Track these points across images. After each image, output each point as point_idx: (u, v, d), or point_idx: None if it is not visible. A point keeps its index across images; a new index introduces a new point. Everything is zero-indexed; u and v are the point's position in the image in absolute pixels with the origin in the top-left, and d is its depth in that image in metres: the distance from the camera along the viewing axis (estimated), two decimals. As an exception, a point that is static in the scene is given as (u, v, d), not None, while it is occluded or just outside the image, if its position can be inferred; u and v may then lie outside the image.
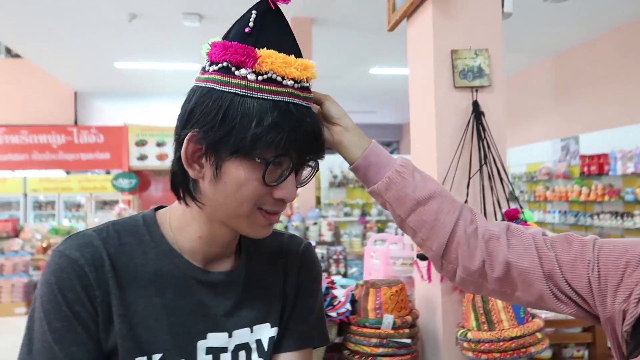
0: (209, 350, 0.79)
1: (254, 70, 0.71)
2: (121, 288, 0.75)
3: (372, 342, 1.71)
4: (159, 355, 0.75)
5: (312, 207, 6.06)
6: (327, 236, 5.51)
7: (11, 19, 5.85)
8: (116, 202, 8.72)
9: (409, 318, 1.76)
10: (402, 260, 2.23)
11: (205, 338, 0.79)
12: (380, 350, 1.71)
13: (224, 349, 0.80)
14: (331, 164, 8.57)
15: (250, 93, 0.71)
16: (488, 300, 1.59)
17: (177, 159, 0.76)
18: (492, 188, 1.78)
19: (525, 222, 1.64)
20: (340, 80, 8.80)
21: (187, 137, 0.72)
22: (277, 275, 0.89)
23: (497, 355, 1.54)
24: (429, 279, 1.79)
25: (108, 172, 9.85)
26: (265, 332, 0.85)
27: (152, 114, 11.52)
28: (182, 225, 0.80)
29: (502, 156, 1.81)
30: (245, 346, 0.82)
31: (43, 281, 0.73)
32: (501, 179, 1.80)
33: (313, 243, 5.42)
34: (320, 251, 5.29)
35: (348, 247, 6.45)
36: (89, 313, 0.72)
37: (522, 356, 1.55)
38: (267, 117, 0.70)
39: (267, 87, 0.71)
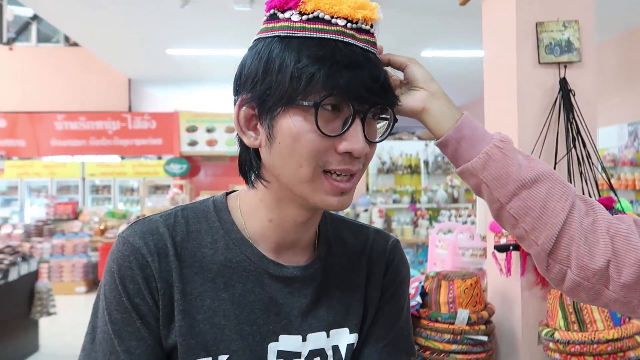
0: (280, 354, 0.70)
1: (298, 10, 0.63)
2: (186, 280, 0.68)
3: (445, 337, 1.60)
4: (225, 357, 0.67)
5: (363, 193, 5.95)
6: (378, 223, 5.42)
7: (69, 8, 6.00)
8: (168, 186, 8.92)
9: (484, 313, 1.64)
10: (472, 250, 2.10)
11: (277, 340, 0.70)
12: (454, 347, 1.60)
13: (297, 354, 0.71)
14: (379, 150, 8.40)
15: (292, 33, 0.63)
16: (578, 298, 1.45)
17: (239, 137, 0.70)
18: (581, 173, 1.62)
19: (622, 212, 1.48)
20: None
21: (237, 103, 0.67)
22: (359, 274, 0.78)
23: (589, 358, 1.40)
24: (508, 272, 1.65)
25: (160, 158, 10.09)
26: (344, 338, 0.74)
27: (203, 100, 11.67)
28: (251, 209, 0.72)
29: (593, 139, 1.65)
30: (321, 352, 0.72)
31: (107, 268, 0.69)
32: (592, 164, 1.63)
33: (363, 230, 5.36)
34: (370, 238, 5.23)
35: (399, 235, 6.33)
36: (148, 307, 0.66)
37: (618, 360, 1.40)
38: (308, 51, 0.61)
39: (312, 25, 0.63)
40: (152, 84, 10.23)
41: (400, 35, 7.19)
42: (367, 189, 8.23)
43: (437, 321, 1.62)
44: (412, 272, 2.15)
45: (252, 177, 0.71)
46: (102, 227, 7.71)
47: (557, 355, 1.46)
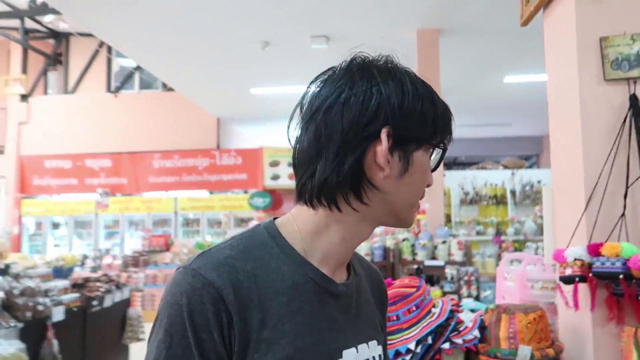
0: None
1: None
2: (265, 308, 0.69)
3: (507, 376, 1.49)
4: None
5: (441, 224, 5.76)
6: (457, 256, 5.19)
7: (166, 59, 6.62)
8: (251, 219, 9.25)
9: (550, 351, 1.50)
10: (542, 283, 1.94)
11: (341, 357, 0.73)
12: (517, 386, 1.48)
13: None
14: (462, 180, 8.13)
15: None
16: (657, 337, 1.28)
17: (353, 162, 0.70)
18: (658, 198, 1.46)
19: None
20: (472, 91, 8.37)
21: (384, 133, 0.70)
22: (369, 293, 0.86)
23: (672, 406, 1.23)
24: (576, 306, 1.51)
25: (245, 192, 10.54)
26: (377, 349, 0.81)
27: (285, 136, 12.10)
28: (319, 229, 0.74)
29: (670, 159, 1.49)
30: None
31: (171, 301, 0.68)
32: (670, 187, 1.47)
33: (442, 263, 5.14)
34: (450, 271, 4.99)
35: (481, 268, 5.99)
36: (214, 343, 0.66)
37: None
38: (437, 100, 0.74)
39: None
40: (238, 122, 10.84)
41: (482, 62, 7.03)
42: (450, 220, 7.96)
43: (496, 357, 1.52)
44: (477, 305, 2.04)
45: (341, 200, 0.72)
46: (190, 258, 8.12)
47: (634, 402, 1.30)
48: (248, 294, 0.68)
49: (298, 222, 0.76)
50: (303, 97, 0.78)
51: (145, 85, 11.13)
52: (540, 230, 7.22)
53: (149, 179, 10.07)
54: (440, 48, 5.84)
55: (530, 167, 11.95)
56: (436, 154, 0.77)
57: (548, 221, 1.82)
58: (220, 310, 0.66)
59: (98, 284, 4.62)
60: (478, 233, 7.48)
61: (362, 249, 5.08)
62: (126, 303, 5.00)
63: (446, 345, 1.53)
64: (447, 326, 1.56)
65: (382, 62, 0.75)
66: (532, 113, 10.17)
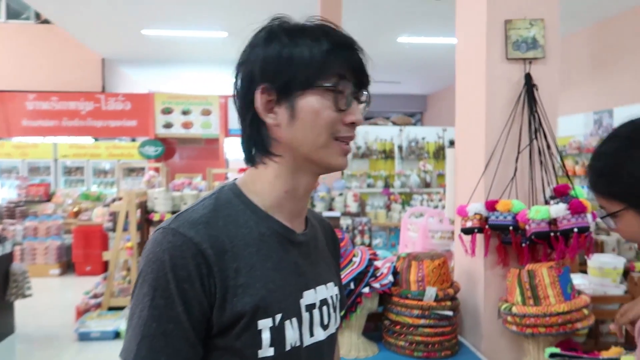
0: (307, 308, 0.83)
1: None
2: (239, 257, 0.77)
3: (414, 313, 1.73)
4: (279, 316, 0.78)
5: (338, 178, 6.05)
6: (353, 207, 5.52)
7: (41, -16, 5.85)
8: (142, 169, 8.85)
9: (450, 291, 1.77)
10: (441, 233, 2.23)
11: (302, 297, 0.83)
12: (422, 321, 1.73)
13: (314, 305, 0.85)
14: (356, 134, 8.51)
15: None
16: (535, 276, 1.59)
17: (250, 121, 0.81)
18: (542, 163, 1.75)
19: (576, 198, 1.62)
20: (367, 48, 8.52)
21: (258, 92, 0.79)
22: (324, 242, 0.97)
23: (542, 330, 1.55)
24: (473, 253, 1.78)
25: (134, 140, 9.98)
26: (333, 290, 0.92)
27: (178, 82, 11.54)
28: (266, 185, 0.83)
29: (553, 131, 1.78)
30: (325, 302, 0.88)
31: (154, 258, 0.74)
32: (551, 154, 1.77)
33: (338, 214, 5.45)
34: (345, 222, 5.32)
35: (372, 218, 6.47)
36: (196, 293, 0.73)
37: (567, 332, 1.55)
38: (318, 43, 0.78)
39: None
40: (127, 64, 10.07)
41: (378, 21, 7.26)
42: (342, 173, 8.36)
43: (407, 298, 1.75)
44: (385, 253, 2.27)
45: (260, 155, 0.83)
46: (75, 209, 7.63)
47: (514, 328, 1.60)
48: (223, 246, 0.76)
49: (250, 181, 0.85)
50: None
51: (14, 14, 9.79)
52: (423, 183, 7.91)
53: (22, 122, 9.08)
54: (343, 2, 5.93)
55: (415, 124, 12.81)
56: (348, 90, 0.80)
57: (450, 180, 2.07)
58: (200, 263, 0.74)
59: (-25, 238, 4.20)
60: (369, 185, 7.97)
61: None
62: (8, 258, 4.63)
63: (366, 290, 1.73)
64: (367, 273, 1.75)
65: (278, 23, 0.82)
66: (420, 73, 10.83)
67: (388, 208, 6.95)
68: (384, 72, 10.83)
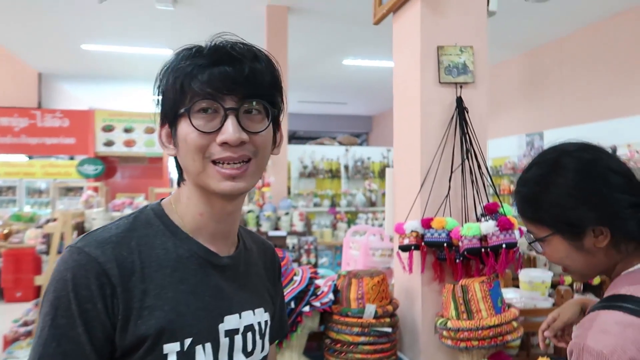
0: (227, 333, 0.82)
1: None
2: (148, 279, 0.76)
3: (354, 331, 1.75)
4: (189, 340, 0.76)
5: (284, 197, 6.05)
6: (299, 226, 5.53)
7: (-28, -6, 5.57)
8: (81, 188, 8.47)
9: (389, 307, 1.80)
10: (382, 251, 2.27)
11: (223, 321, 0.82)
12: (362, 339, 1.75)
13: (237, 331, 0.84)
14: (301, 154, 8.57)
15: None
16: (468, 290, 1.65)
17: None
18: (473, 182, 1.84)
19: (504, 216, 1.70)
20: (315, 70, 8.78)
21: (160, 126, 0.83)
22: (261, 266, 0.96)
23: (475, 343, 1.60)
24: (410, 270, 1.83)
25: (72, 158, 9.55)
26: (263, 316, 0.90)
27: (120, 99, 11.21)
28: (183, 207, 0.84)
29: (483, 151, 1.87)
30: (251, 328, 0.86)
31: (58, 277, 0.73)
32: (481, 174, 1.86)
33: (284, 233, 5.44)
34: (291, 241, 5.32)
35: (319, 238, 6.49)
36: (97, 313, 0.72)
37: (499, 344, 1.61)
38: (189, 67, 0.76)
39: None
40: (65, 79, 9.70)
41: (325, 44, 7.40)
42: (289, 192, 8.36)
43: (347, 316, 1.76)
44: (327, 272, 2.29)
45: (179, 178, 0.85)
46: (5, 231, 7.16)
47: (449, 342, 1.65)
48: (132, 267, 0.75)
49: (174, 201, 0.86)
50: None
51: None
52: (369, 202, 8.04)
53: (-52, 138, 8.50)
54: (289, 25, 6.02)
55: (361, 144, 13.06)
56: (218, 108, 0.76)
57: (390, 198, 2.13)
58: (104, 283, 0.73)
59: None
60: (315, 205, 8.01)
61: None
62: None
63: (306, 308, 1.73)
64: (307, 292, 1.76)
65: (182, 50, 0.80)
66: (365, 95, 11.09)
67: (334, 227, 7.01)
68: (331, 93, 11.02)
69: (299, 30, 6.50)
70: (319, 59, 8.17)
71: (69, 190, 8.86)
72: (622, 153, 5.51)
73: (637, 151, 5.10)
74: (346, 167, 8.61)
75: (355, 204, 8.00)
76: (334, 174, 8.58)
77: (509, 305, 1.72)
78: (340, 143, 9.06)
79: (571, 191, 0.96)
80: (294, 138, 14.42)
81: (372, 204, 8.07)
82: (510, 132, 7.85)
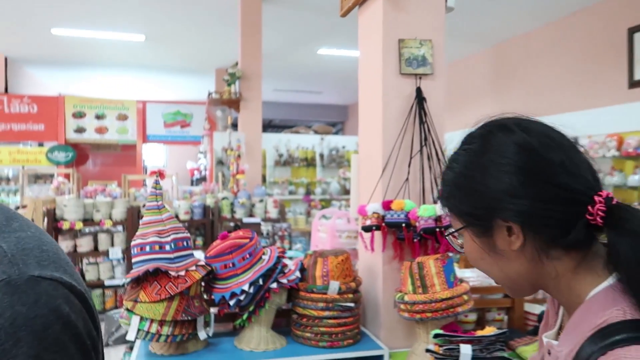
0: None
1: None
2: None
3: (319, 306, 1.87)
4: None
5: (258, 184, 6.13)
6: (273, 213, 5.62)
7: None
8: (51, 175, 8.36)
9: (353, 284, 1.93)
10: (347, 233, 2.39)
11: None
12: (326, 313, 1.87)
13: None
14: (277, 142, 8.65)
15: None
16: (423, 267, 1.78)
17: None
18: (430, 167, 1.97)
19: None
20: (289, 59, 8.83)
21: None
22: None
23: (429, 314, 1.74)
24: (372, 249, 1.96)
25: (41, 145, 9.40)
26: None
27: (92, 85, 11.04)
28: None
29: (440, 139, 2.00)
30: None
31: (53, 318, 0.54)
32: (439, 160, 1.99)
33: (259, 220, 5.53)
34: (266, 228, 5.42)
35: (293, 224, 6.62)
36: (95, 342, 0.61)
37: (450, 315, 1.76)
38: None
39: None
40: (34, 64, 9.50)
41: (300, 33, 7.46)
42: (265, 180, 8.44)
43: (312, 292, 1.88)
44: (298, 254, 2.40)
45: None
46: (-27, 218, 7.03)
47: (406, 314, 1.79)
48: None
49: None
50: None
51: None
52: (343, 190, 8.19)
53: None
54: (263, 13, 6.06)
55: (337, 133, 13.18)
56: None
57: (355, 182, 2.25)
58: (89, 307, 0.62)
59: None
60: (290, 192, 8.12)
61: (182, 207, 5.14)
62: None
63: (274, 285, 1.84)
64: (275, 269, 1.87)
65: None
66: (341, 84, 11.19)
67: (308, 214, 7.14)
68: (306, 83, 11.08)
69: (274, 19, 6.55)
70: (293, 48, 8.22)
71: (39, 178, 8.73)
72: (584, 144, 5.75)
73: (597, 142, 5.35)
74: (321, 156, 8.72)
75: (330, 192, 8.14)
76: (309, 163, 8.69)
77: (461, 280, 1.86)
78: (316, 132, 9.17)
79: (464, 171, 0.81)
80: (270, 126, 14.44)
81: (347, 192, 8.21)
82: (476, 124, 8.05)
